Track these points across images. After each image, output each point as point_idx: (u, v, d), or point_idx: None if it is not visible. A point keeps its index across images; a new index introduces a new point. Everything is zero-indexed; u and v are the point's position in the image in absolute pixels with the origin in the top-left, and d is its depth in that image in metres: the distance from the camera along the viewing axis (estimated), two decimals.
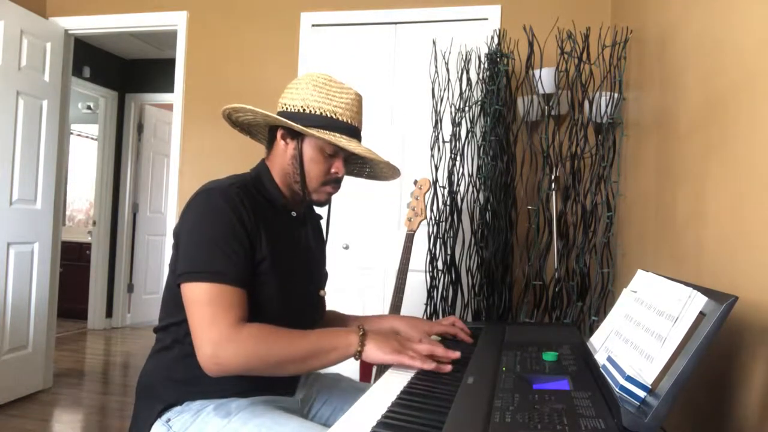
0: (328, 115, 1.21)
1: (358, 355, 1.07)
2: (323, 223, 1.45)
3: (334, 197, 1.35)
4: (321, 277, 1.39)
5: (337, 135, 1.20)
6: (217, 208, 1.11)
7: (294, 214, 1.29)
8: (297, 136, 1.22)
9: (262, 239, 1.14)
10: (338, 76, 3.11)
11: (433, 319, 2.49)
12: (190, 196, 1.17)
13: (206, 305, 1.04)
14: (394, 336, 1.12)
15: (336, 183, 1.27)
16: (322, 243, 1.44)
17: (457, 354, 1.08)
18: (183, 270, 1.08)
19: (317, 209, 1.47)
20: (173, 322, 1.17)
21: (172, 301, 1.17)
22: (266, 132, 1.33)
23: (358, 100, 1.28)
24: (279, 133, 1.24)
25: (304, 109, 1.21)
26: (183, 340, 1.15)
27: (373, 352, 1.07)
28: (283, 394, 1.25)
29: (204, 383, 1.13)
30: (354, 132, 1.25)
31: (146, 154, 5.42)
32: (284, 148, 1.24)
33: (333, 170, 1.25)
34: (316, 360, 1.08)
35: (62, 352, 4.21)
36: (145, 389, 1.19)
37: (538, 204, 2.39)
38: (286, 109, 1.23)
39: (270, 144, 1.28)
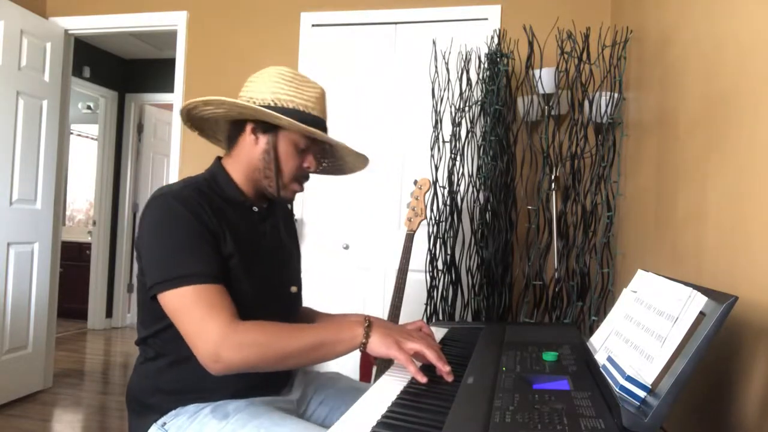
0: (300, 109, 1.19)
1: (362, 346, 1.05)
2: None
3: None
4: (292, 273, 1.34)
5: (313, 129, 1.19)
6: (174, 211, 1.08)
7: (255, 209, 1.25)
8: (270, 131, 1.19)
9: (225, 236, 1.12)
10: (338, 76, 3.13)
11: (433, 320, 2.49)
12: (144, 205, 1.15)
13: (195, 308, 1.02)
14: (398, 330, 1.10)
15: (305, 179, 1.27)
16: (294, 239, 1.41)
17: (447, 369, 1.02)
18: (156, 280, 1.05)
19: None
20: (151, 333, 1.16)
21: (147, 314, 1.16)
22: (225, 128, 1.30)
23: (324, 94, 1.27)
24: (249, 128, 1.20)
25: (275, 103, 1.18)
26: (165, 350, 1.14)
27: (376, 345, 1.05)
28: (277, 393, 1.25)
29: (195, 390, 1.12)
30: (323, 126, 1.24)
31: (146, 154, 5.42)
32: (253, 143, 1.21)
33: (305, 165, 1.24)
34: (321, 352, 1.06)
35: (62, 352, 4.21)
36: (136, 401, 1.17)
37: (538, 204, 2.39)
38: (254, 102, 1.19)
39: (234, 138, 1.24)
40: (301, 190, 1.27)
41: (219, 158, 1.27)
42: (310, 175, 1.30)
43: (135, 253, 1.16)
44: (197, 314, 1.02)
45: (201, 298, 1.03)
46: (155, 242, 1.09)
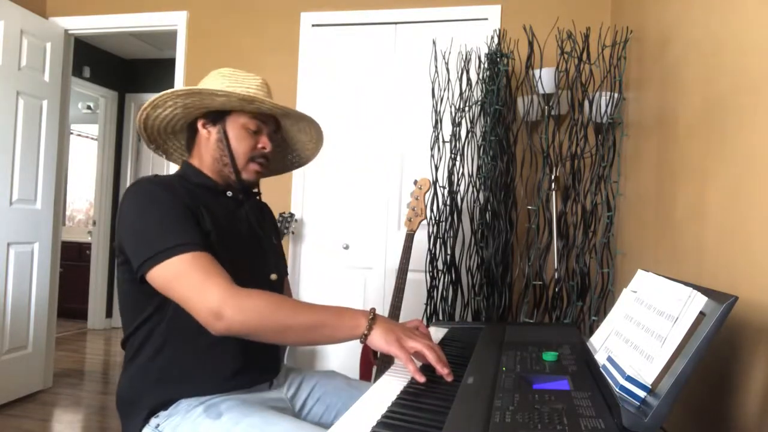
0: (243, 94, 1.21)
1: (363, 338, 1.05)
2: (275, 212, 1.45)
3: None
4: (272, 261, 1.34)
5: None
6: (151, 193, 1.12)
7: (230, 193, 1.28)
8: (218, 120, 1.24)
9: (203, 214, 1.15)
10: (338, 76, 3.12)
11: (433, 320, 2.49)
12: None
13: (193, 272, 1.03)
14: (401, 328, 1.09)
15: (262, 158, 1.28)
16: (275, 232, 1.44)
17: (447, 371, 1.01)
18: (145, 257, 1.06)
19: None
20: (134, 328, 1.16)
21: (128, 310, 1.17)
22: (182, 139, 1.35)
23: (266, 84, 1.31)
24: (200, 124, 1.26)
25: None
26: (147, 339, 1.15)
27: (378, 339, 1.04)
28: (266, 383, 1.25)
29: (182, 376, 1.13)
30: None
31: (146, 154, 5.42)
32: (207, 137, 1.26)
33: (260, 146, 1.27)
34: (320, 333, 1.05)
35: (62, 352, 4.21)
36: (127, 402, 1.17)
37: (538, 204, 2.39)
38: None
39: (191, 142, 1.29)
40: (261, 171, 1.29)
41: (184, 161, 1.31)
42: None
43: (115, 250, 1.16)
44: (196, 277, 1.02)
45: (197, 264, 1.04)
46: (138, 223, 1.10)
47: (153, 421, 1.12)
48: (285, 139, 1.43)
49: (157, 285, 1.07)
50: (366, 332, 1.05)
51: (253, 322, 1.01)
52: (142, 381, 1.15)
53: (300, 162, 1.53)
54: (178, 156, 1.43)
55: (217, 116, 1.25)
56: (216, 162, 1.26)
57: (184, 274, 1.03)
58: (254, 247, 1.28)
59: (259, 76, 1.31)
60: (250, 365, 1.19)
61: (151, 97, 1.21)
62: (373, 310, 1.10)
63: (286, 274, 1.42)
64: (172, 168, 3.23)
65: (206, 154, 1.26)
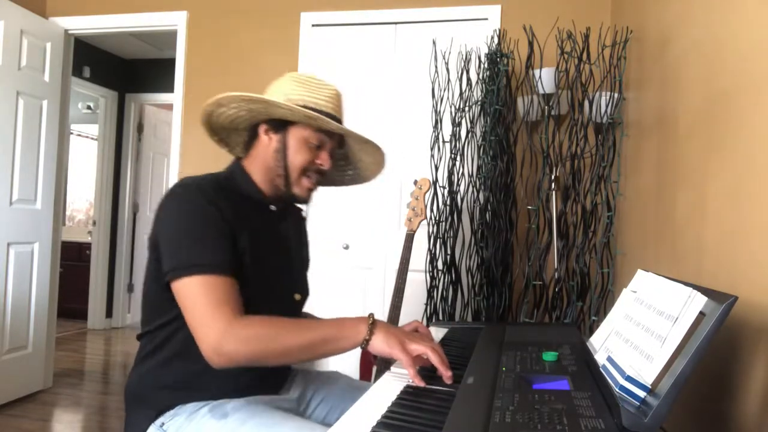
0: (311, 106, 1.20)
1: (365, 343, 1.05)
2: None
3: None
4: (299, 280, 1.34)
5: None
6: (192, 201, 1.10)
7: (273, 208, 1.27)
8: (281, 129, 1.21)
9: (242, 231, 1.13)
10: (338, 76, 3.13)
11: (433, 320, 2.49)
12: (162, 197, 1.16)
13: (202, 298, 1.03)
14: (402, 331, 1.10)
15: (317, 174, 1.25)
16: (304, 245, 1.42)
17: (449, 374, 1.01)
18: (170, 267, 1.07)
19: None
20: (154, 327, 1.16)
21: (153, 307, 1.17)
22: (243, 136, 1.32)
23: (339, 95, 1.27)
24: (262, 129, 1.23)
25: (287, 102, 1.19)
26: (165, 343, 1.14)
27: (379, 343, 1.04)
28: (276, 392, 1.25)
29: (193, 386, 1.12)
30: (337, 123, 1.24)
31: (146, 154, 5.42)
32: (267, 143, 1.23)
33: (318, 161, 1.23)
34: (324, 348, 1.06)
35: (62, 352, 4.21)
36: (135, 397, 1.17)
37: (538, 204, 2.39)
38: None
39: (250, 143, 1.26)
40: (313, 187, 1.26)
41: (238, 158, 1.29)
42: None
43: (148, 243, 1.16)
44: (204, 306, 1.03)
45: (210, 289, 1.04)
46: (173, 230, 1.10)
47: (158, 420, 1.13)
48: (347, 155, 1.39)
49: (176, 297, 1.07)
50: (367, 338, 1.05)
51: (256, 351, 1.02)
52: (153, 383, 1.15)
53: (359, 180, 1.47)
54: (240, 150, 1.38)
55: (280, 125, 1.21)
56: (269, 171, 1.23)
57: (194, 298, 1.04)
58: (286, 266, 1.27)
59: (333, 86, 1.26)
60: (263, 378, 1.19)
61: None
62: (371, 315, 1.10)
63: (308, 293, 1.38)
64: (173, 168, 3.23)
65: (262, 161, 1.23)
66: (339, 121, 1.25)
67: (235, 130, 1.32)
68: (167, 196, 1.14)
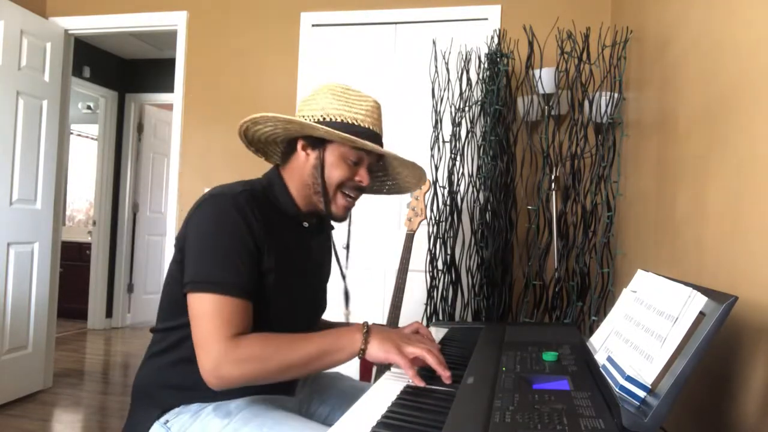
0: (349, 122, 1.18)
1: (362, 352, 1.05)
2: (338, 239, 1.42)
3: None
4: (320, 299, 1.34)
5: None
6: (225, 215, 1.09)
7: (306, 224, 1.26)
8: (318, 146, 1.19)
9: (270, 251, 1.12)
10: (338, 76, 3.12)
11: (433, 320, 2.49)
12: (197, 200, 1.15)
13: (209, 318, 1.03)
14: (398, 334, 1.10)
15: (354, 191, 1.24)
16: (329, 260, 1.41)
17: (447, 374, 1.02)
18: (189, 279, 1.07)
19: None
20: (169, 326, 1.16)
21: (170, 305, 1.16)
22: (281, 148, 1.31)
23: (378, 107, 1.26)
24: (299, 144, 1.21)
25: (324, 118, 1.18)
26: (178, 345, 1.14)
27: (376, 351, 1.05)
28: (283, 393, 1.25)
29: (201, 388, 1.12)
30: (376, 138, 1.22)
31: (146, 154, 5.42)
32: (305, 160, 1.21)
33: (357, 178, 1.22)
34: (322, 362, 1.06)
35: (62, 352, 4.21)
36: (142, 392, 1.18)
37: (538, 204, 2.39)
38: (304, 119, 1.20)
39: (288, 155, 1.25)
40: (349, 204, 1.25)
41: (277, 166, 1.27)
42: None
43: (175, 241, 1.16)
44: (208, 326, 1.02)
45: (218, 310, 1.03)
46: (201, 241, 1.09)
47: (163, 417, 1.13)
48: (386, 167, 1.38)
49: (188, 308, 1.07)
50: (363, 346, 1.05)
51: (252, 372, 1.02)
52: (161, 382, 1.16)
53: (397, 191, 1.46)
54: (277, 159, 1.37)
55: (318, 141, 1.19)
56: (306, 187, 1.21)
57: (202, 316, 1.03)
58: (309, 287, 1.27)
59: (371, 98, 1.24)
60: (272, 385, 1.18)
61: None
62: (366, 323, 1.10)
63: (326, 307, 1.38)
64: (173, 168, 3.23)
65: (299, 176, 1.21)
66: (378, 134, 1.23)
67: (273, 143, 1.32)
68: (202, 201, 1.12)
